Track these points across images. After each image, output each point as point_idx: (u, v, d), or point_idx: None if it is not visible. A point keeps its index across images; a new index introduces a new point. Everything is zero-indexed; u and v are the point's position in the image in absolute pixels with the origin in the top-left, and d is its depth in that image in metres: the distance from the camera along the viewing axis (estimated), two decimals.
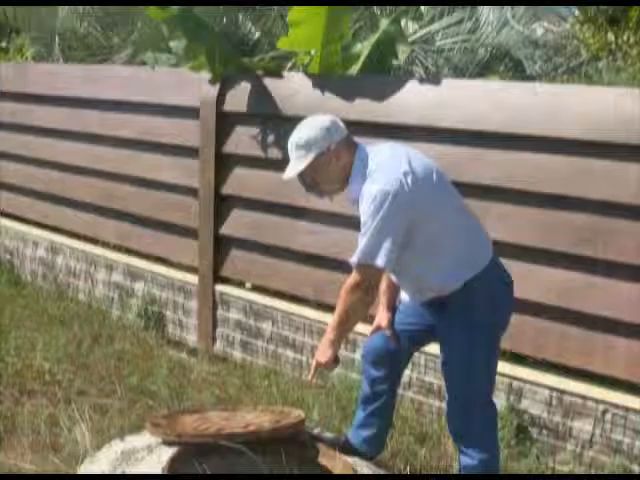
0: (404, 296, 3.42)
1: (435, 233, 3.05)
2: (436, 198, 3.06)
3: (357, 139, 4.35)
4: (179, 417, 3.66)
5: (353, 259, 3.02)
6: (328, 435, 3.73)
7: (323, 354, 3.24)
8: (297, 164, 3.11)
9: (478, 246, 3.18)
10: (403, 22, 5.87)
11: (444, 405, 3.43)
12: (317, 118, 3.15)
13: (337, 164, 3.09)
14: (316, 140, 3.06)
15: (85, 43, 8.45)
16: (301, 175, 3.15)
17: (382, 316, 3.50)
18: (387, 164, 3.02)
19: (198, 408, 4.09)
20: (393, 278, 3.37)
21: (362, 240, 2.98)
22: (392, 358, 3.49)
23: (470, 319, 3.09)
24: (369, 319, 3.70)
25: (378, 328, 3.51)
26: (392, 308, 3.51)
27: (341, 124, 3.15)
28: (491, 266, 3.15)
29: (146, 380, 4.73)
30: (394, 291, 3.50)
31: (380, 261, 2.96)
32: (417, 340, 3.50)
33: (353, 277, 3.07)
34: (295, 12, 4.83)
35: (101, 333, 5.64)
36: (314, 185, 3.21)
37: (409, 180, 2.94)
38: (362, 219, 2.99)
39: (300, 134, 3.12)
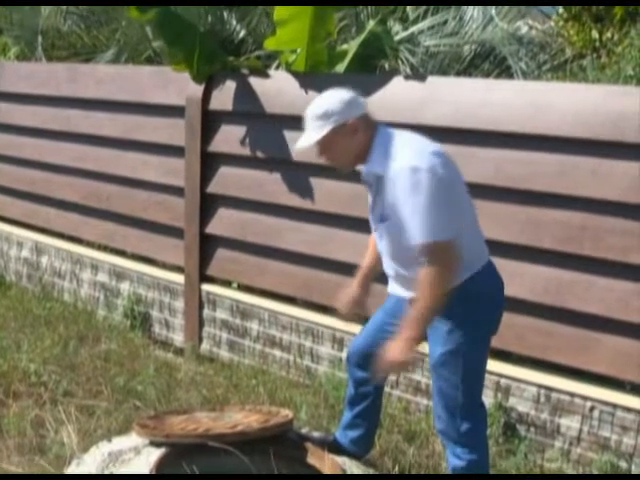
0: (392, 288, 3.33)
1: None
2: (461, 186, 3.05)
3: None
4: (166, 418, 3.65)
5: (419, 241, 2.87)
6: (316, 434, 3.72)
7: (402, 352, 2.97)
8: (313, 134, 3.03)
9: (478, 246, 3.15)
10: (389, 23, 5.88)
11: (432, 404, 3.42)
12: (338, 91, 3.07)
13: (353, 139, 3.02)
14: (334, 112, 2.99)
15: (69, 42, 8.40)
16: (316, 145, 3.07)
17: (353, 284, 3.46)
18: (415, 142, 2.98)
19: (185, 408, 4.08)
20: (390, 266, 3.24)
21: (416, 221, 2.86)
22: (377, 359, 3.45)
23: (462, 320, 3.06)
24: (360, 319, 3.69)
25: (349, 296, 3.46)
26: (367, 280, 3.46)
27: (362, 100, 3.08)
28: (486, 267, 3.13)
29: (133, 381, 4.71)
30: (375, 265, 3.42)
31: (445, 234, 2.85)
32: None
33: (429, 263, 2.88)
34: (281, 11, 4.81)
35: (87, 334, 5.61)
36: (326, 158, 3.12)
37: (440, 160, 2.92)
38: (401, 199, 2.88)
39: (319, 105, 3.05)
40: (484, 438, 3.27)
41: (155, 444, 3.33)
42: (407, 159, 2.88)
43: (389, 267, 3.24)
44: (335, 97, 3.04)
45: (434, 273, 2.88)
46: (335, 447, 3.55)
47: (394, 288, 3.31)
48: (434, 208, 2.84)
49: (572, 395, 3.99)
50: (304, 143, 3.06)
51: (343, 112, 3.00)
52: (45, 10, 8.69)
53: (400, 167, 2.88)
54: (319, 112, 3.02)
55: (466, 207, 3.09)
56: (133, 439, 3.43)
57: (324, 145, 3.05)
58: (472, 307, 3.05)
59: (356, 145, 3.04)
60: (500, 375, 4.18)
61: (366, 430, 3.59)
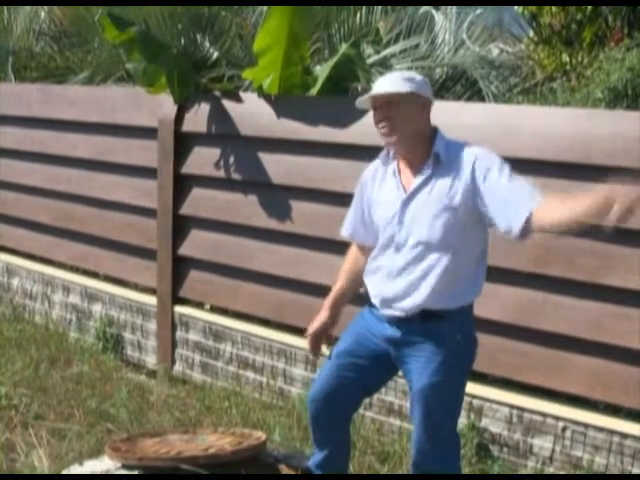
0: (374, 295, 3.13)
1: (486, 244, 3.05)
2: None
3: (316, 159, 4.36)
4: (139, 440, 3.63)
5: (534, 206, 2.90)
6: (290, 456, 3.70)
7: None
8: (399, 85, 2.94)
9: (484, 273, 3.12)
10: (362, 46, 5.91)
11: (405, 425, 3.40)
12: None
13: (421, 116, 3.00)
14: (419, 83, 2.99)
15: (41, 63, 8.35)
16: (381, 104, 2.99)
17: (321, 315, 3.32)
18: None
19: (158, 431, 4.06)
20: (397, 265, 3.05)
21: (517, 181, 2.96)
22: (338, 405, 3.25)
23: (461, 350, 3.00)
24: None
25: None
26: (338, 305, 3.34)
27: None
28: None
29: (105, 403, 4.67)
30: (350, 287, 3.34)
31: None
32: (370, 387, 3.34)
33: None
34: (260, 43, 4.85)
35: (59, 356, 5.56)
36: (390, 118, 2.97)
37: None
38: (496, 166, 2.92)
39: (407, 72, 3.21)
40: (457, 464, 3.21)
41: (127, 467, 3.31)
42: (480, 148, 2.99)
43: (397, 266, 3.03)
44: (420, 76, 3.08)
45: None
46: (309, 471, 3.51)
47: (387, 303, 3.07)
48: None
49: (544, 415, 4.01)
50: (387, 88, 2.96)
51: (426, 87, 3.02)
52: (16, 30, 8.64)
53: (479, 150, 2.98)
54: (407, 75, 3.03)
55: None
56: (105, 462, 3.41)
57: (398, 103, 2.95)
58: (471, 336, 3.04)
59: (421, 122, 3.02)
60: (473, 396, 4.18)
61: (337, 470, 3.42)
